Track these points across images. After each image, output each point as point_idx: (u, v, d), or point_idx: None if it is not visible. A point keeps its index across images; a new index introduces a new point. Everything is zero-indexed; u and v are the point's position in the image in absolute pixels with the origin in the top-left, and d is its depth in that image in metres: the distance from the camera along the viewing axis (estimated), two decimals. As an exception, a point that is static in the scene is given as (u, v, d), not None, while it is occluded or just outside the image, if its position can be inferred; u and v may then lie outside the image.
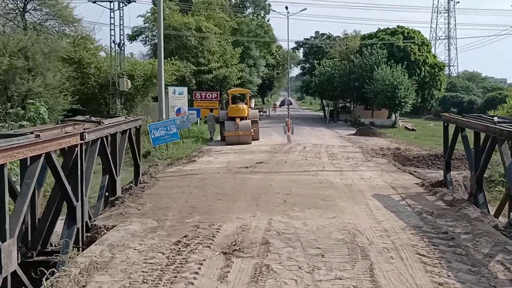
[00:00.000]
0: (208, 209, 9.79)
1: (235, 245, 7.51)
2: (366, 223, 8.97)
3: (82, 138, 8.21)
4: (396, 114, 41.43)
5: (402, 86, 39.60)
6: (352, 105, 46.63)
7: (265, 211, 9.74)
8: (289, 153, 21.73)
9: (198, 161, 19.39)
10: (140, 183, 12.26)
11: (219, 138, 29.54)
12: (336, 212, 9.77)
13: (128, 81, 30.60)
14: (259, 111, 50.15)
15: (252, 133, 27.68)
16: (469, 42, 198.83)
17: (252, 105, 58.39)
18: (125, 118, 11.22)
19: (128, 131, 11.30)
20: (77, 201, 8.19)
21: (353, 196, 11.31)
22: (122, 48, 31.58)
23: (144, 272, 6.54)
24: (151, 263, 6.85)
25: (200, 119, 34.91)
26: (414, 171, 16.32)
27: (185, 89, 29.92)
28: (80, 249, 8.08)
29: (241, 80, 41.21)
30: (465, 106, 50.77)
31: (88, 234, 8.59)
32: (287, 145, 25.67)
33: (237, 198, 10.84)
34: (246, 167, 16.20)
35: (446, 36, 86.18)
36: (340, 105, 49.23)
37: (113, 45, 30.95)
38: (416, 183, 13.34)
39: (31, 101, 23.51)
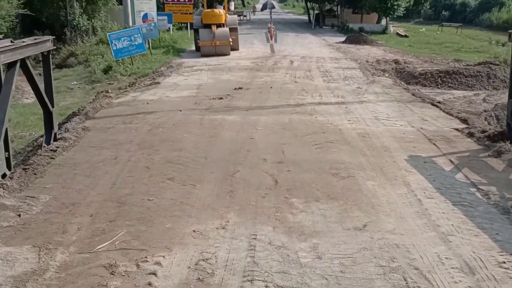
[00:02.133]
0: (145, 207, 5.33)
1: None
2: (427, 243, 4.66)
3: None
4: (387, 18, 36.17)
5: (395, -13, 34.13)
6: (338, 9, 40.96)
7: (243, 211, 5.32)
8: (274, 70, 17.04)
9: (163, 83, 14.70)
10: (56, 139, 7.63)
11: (193, 48, 24.59)
12: (365, 209, 5.40)
13: (86, -20, 24.81)
14: (239, 15, 44.34)
15: (231, 43, 22.83)
16: None
17: (232, 8, 52.17)
18: (12, 41, 6.39)
19: (18, 63, 6.48)
20: None
21: (380, 164, 6.92)
22: None
23: None
24: None
25: (173, 26, 29.49)
26: (439, 103, 11.86)
27: (152, -9, 24.31)
28: None
29: (219, -20, 35.04)
30: (458, 9, 45.37)
31: None
32: (271, 58, 20.87)
33: (200, 174, 6.36)
34: (220, 98, 11.59)
35: None
36: (326, 8, 43.41)
37: None
38: (456, 129, 8.96)
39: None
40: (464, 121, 9.70)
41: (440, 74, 17.53)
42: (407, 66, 19.42)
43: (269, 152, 7.27)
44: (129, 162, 6.78)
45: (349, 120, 9.52)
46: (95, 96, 13.00)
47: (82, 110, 10.00)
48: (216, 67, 18.02)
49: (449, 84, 17.07)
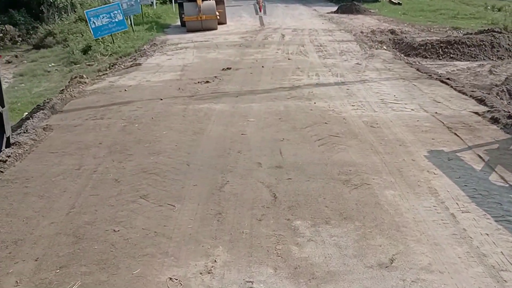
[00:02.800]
0: (109, 243, 4.10)
1: None
2: (476, 285, 3.52)
3: None
4: (379, -14, 34.46)
5: (388, -48, 32.38)
6: (329, -23, 39.08)
7: (235, 243, 4.09)
8: (265, 46, 15.66)
9: (144, 64, 13.34)
10: (9, 145, 6.31)
11: (178, 23, 23.07)
12: (388, 233, 4.21)
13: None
14: (226, -13, 42.37)
15: (218, 17, 21.34)
16: None
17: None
18: None
19: None
20: None
21: (397, 164, 5.70)
22: None
23: None
24: None
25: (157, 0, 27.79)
26: (449, 80, 10.59)
27: (133, -37, 22.49)
28: None
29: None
30: (450, -26, 43.60)
31: None
32: (261, 32, 19.44)
33: (180, 189, 5.10)
34: (207, 82, 10.27)
35: None
36: (315, -24, 41.43)
37: None
38: (476, 112, 7.73)
39: None
40: (481, 101, 8.48)
41: (441, 45, 16.22)
42: (405, 37, 18.07)
43: (264, 153, 6.02)
44: (94, 173, 5.51)
45: (352, 105, 8.26)
46: (69, 82, 11.62)
47: (48, 102, 8.63)
48: (203, 44, 16.62)
49: (451, 55, 15.82)
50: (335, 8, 29.08)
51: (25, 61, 20.07)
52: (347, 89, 9.50)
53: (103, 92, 9.87)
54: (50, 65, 18.50)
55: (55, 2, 23.19)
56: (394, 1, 33.88)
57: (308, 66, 12.10)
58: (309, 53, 14.32)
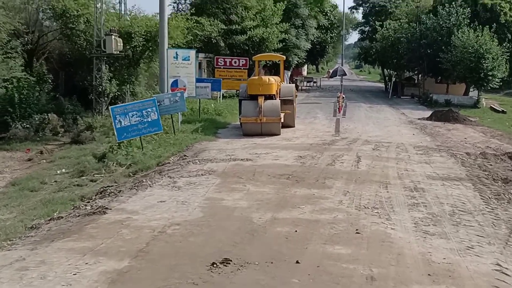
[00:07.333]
0: None
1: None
2: None
3: None
4: (480, 90, 26.59)
5: (490, 54, 24.78)
6: (419, 77, 31.83)
7: None
8: (325, 182, 8.76)
9: (112, 212, 7.15)
10: None
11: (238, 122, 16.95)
12: None
13: (119, 40, 18.14)
14: (308, 82, 36.46)
15: (282, 119, 15.04)
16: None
17: (304, 73, 44.49)
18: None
19: None
20: None
21: None
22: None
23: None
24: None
25: (223, 94, 22.11)
26: None
27: (192, 53, 17.08)
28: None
29: (285, 43, 27.20)
30: (558, 81, 34.55)
31: None
32: (330, 148, 12.60)
33: None
34: None
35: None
36: (405, 76, 34.31)
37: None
38: None
39: None
40: None
41: None
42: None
43: None
44: None
45: None
46: None
47: None
48: (238, 167, 10.07)
49: None
50: (427, 113, 21.73)
51: (44, 161, 14.52)
52: None
53: None
54: (58, 172, 12.66)
55: (105, 91, 18.12)
56: (497, 109, 25.69)
57: (394, 269, 4.92)
58: (395, 211, 7.15)
